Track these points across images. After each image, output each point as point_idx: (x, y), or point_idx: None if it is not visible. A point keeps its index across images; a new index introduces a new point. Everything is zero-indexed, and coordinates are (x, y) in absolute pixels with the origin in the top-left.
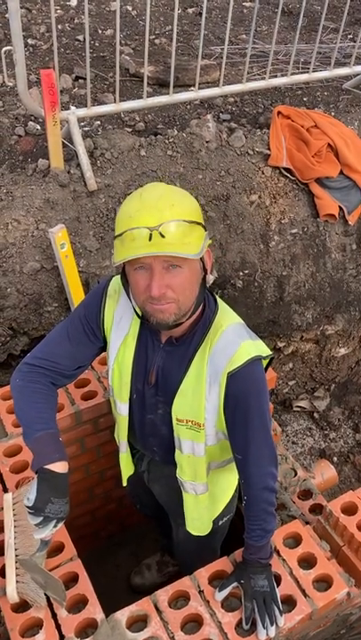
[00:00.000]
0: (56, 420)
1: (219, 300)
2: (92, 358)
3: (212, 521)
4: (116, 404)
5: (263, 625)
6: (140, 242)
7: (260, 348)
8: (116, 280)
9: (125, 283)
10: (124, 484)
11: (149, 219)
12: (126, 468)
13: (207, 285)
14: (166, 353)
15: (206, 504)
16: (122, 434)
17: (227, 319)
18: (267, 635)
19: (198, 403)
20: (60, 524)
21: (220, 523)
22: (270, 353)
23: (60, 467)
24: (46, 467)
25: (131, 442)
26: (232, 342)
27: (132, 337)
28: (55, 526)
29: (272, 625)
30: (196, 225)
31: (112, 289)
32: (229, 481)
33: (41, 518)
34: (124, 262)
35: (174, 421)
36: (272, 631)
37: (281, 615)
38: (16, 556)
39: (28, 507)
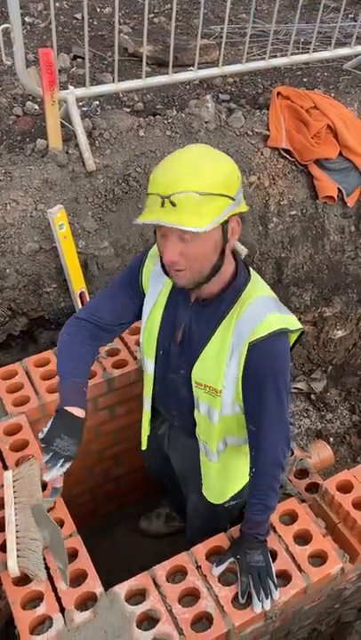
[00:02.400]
0: (86, 372)
1: (253, 273)
2: (134, 316)
3: (221, 495)
4: (144, 361)
5: (258, 598)
6: (154, 207)
7: (287, 321)
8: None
9: None
10: (144, 447)
11: (165, 187)
12: (145, 428)
13: (241, 257)
14: (194, 313)
15: (216, 474)
16: (146, 390)
17: (258, 291)
18: (262, 608)
19: (218, 369)
20: (67, 465)
21: (227, 505)
22: (300, 327)
23: (76, 411)
24: (65, 408)
25: (154, 405)
26: (258, 313)
27: (163, 295)
28: (62, 466)
29: (267, 598)
30: (215, 196)
31: (154, 250)
32: (243, 472)
33: (50, 454)
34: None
35: (193, 384)
36: (267, 604)
37: (276, 589)
38: (17, 532)
39: (40, 439)
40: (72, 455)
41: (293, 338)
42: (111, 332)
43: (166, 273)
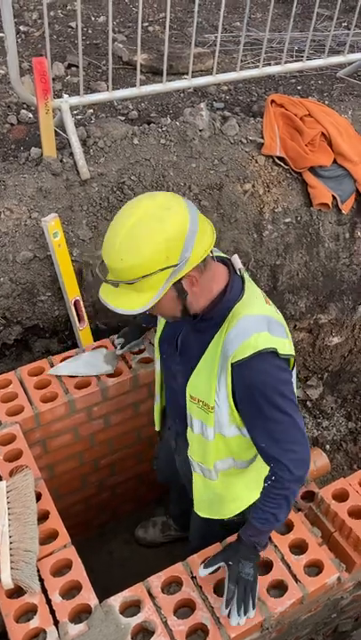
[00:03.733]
0: None
1: (249, 288)
2: None
3: (218, 512)
4: (155, 362)
5: (239, 613)
6: (103, 282)
7: (276, 344)
8: None
9: None
10: (157, 428)
11: (106, 270)
12: (157, 416)
13: (238, 271)
14: (190, 326)
15: (218, 492)
16: (156, 387)
17: (249, 308)
18: (238, 624)
19: (210, 384)
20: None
21: (225, 520)
22: (289, 353)
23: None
24: None
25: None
26: (244, 332)
27: None
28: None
29: (245, 615)
30: (150, 275)
31: None
32: (244, 494)
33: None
34: None
35: (187, 397)
36: (243, 621)
37: (254, 609)
38: (10, 543)
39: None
40: (125, 346)
41: (291, 362)
42: None
43: None
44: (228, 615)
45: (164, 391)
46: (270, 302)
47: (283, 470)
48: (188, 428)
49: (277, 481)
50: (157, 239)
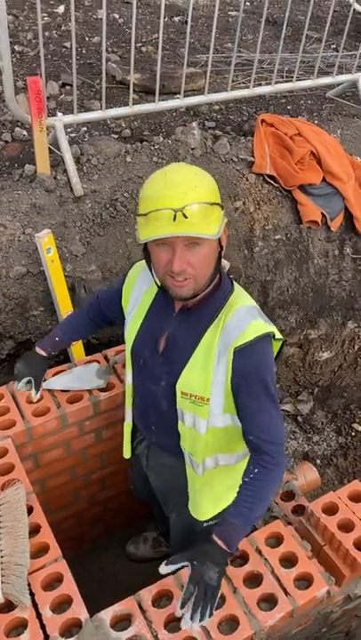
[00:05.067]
0: (70, 331)
1: (235, 283)
2: (115, 313)
3: (202, 512)
4: (126, 374)
5: (192, 617)
6: (164, 221)
7: (271, 329)
8: (135, 268)
9: (147, 256)
10: (127, 455)
11: (174, 200)
12: (127, 435)
13: (224, 270)
14: (178, 322)
15: (199, 489)
16: (127, 401)
17: (242, 300)
18: (190, 628)
19: (205, 377)
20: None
21: (205, 525)
22: (282, 337)
23: (38, 350)
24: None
25: (134, 421)
26: (243, 320)
27: (142, 309)
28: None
29: (200, 621)
30: (215, 206)
31: (131, 276)
32: (228, 493)
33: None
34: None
35: (178, 395)
36: (196, 626)
37: (210, 617)
38: (1, 557)
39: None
40: (25, 378)
41: (276, 348)
42: (105, 312)
43: (160, 288)
44: (182, 616)
45: (137, 403)
46: None
47: (266, 456)
48: (179, 422)
49: (264, 466)
50: (208, 178)
